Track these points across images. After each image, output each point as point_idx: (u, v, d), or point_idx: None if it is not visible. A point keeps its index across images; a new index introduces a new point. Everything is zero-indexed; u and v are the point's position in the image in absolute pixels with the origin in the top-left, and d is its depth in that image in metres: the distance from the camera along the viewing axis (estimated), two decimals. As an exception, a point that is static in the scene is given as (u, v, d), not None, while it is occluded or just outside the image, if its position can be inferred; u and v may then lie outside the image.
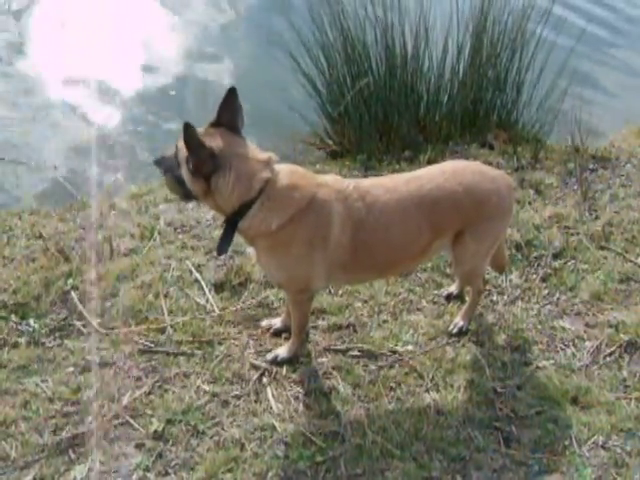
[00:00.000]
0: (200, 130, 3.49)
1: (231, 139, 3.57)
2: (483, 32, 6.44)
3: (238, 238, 3.81)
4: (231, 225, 3.69)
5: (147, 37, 8.88)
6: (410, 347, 4.35)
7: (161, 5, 9.69)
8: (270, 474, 3.60)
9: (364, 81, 6.17)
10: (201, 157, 3.43)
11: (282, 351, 4.20)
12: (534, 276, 4.96)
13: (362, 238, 3.77)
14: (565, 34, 6.67)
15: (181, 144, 3.48)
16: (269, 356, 4.20)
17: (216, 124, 3.58)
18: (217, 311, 4.52)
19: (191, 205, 5.46)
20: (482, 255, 4.15)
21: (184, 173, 3.55)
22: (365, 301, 4.68)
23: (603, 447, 3.82)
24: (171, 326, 4.40)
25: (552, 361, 4.32)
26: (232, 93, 3.55)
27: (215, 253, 4.93)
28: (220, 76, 8.32)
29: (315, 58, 6.45)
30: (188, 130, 3.37)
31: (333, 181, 3.83)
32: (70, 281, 4.70)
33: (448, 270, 4.89)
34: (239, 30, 9.38)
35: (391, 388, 4.10)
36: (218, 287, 4.72)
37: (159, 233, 5.23)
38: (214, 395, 3.98)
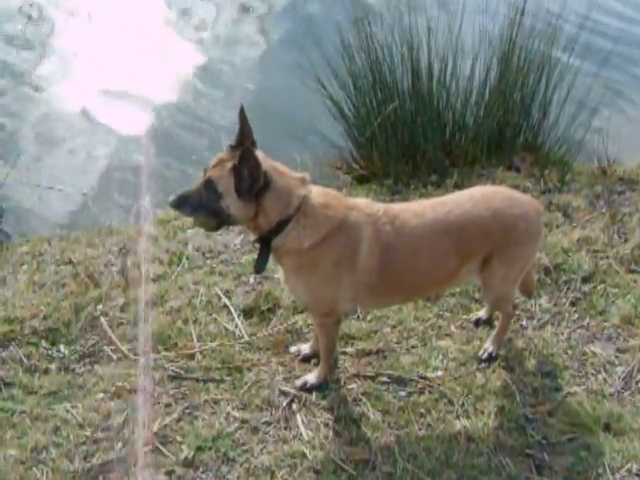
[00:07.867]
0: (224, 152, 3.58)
1: (264, 157, 3.58)
2: (510, 55, 6.43)
3: (269, 263, 3.80)
4: (266, 243, 3.69)
5: (176, 60, 9.00)
6: (440, 373, 4.32)
7: (188, 26, 9.83)
8: (301, 502, 3.60)
9: (391, 106, 6.17)
10: (256, 176, 3.45)
11: (311, 377, 4.19)
12: (563, 300, 4.91)
13: (390, 262, 3.78)
14: (592, 56, 6.66)
15: (216, 175, 3.50)
16: (298, 382, 4.19)
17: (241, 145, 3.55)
18: (246, 337, 4.53)
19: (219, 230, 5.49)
20: (511, 280, 4.13)
21: (229, 202, 3.51)
22: (394, 326, 4.66)
23: (637, 475, 3.76)
24: (200, 352, 4.41)
25: (583, 387, 4.27)
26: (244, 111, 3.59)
27: (245, 277, 4.99)
28: (247, 100, 8.36)
29: (342, 82, 6.47)
30: (249, 152, 3.41)
31: (364, 204, 3.85)
32: (100, 307, 4.74)
33: (477, 295, 4.86)
34: (267, 53, 9.44)
35: (421, 414, 4.07)
36: (247, 313, 4.73)
37: (187, 258, 5.26)
38: (244, 422, 3.98)
